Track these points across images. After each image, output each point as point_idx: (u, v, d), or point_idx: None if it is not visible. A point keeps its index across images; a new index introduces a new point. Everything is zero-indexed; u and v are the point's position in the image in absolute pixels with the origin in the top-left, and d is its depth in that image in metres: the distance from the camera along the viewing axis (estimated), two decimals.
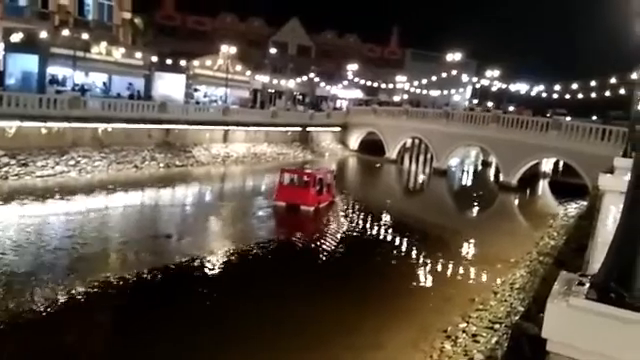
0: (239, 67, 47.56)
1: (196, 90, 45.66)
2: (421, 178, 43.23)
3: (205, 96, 46.25)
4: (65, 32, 31.88)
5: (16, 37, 30.62)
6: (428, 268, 16.98)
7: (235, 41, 45.94)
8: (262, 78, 53.67)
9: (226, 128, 36.37)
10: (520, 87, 55.43)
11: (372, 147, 45.48)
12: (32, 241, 15.69)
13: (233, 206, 24.16)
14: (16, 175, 22.75)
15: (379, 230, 22.07)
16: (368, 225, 22.58)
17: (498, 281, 15.85)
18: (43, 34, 30.90)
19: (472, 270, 17.06)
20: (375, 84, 61.93)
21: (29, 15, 33.74)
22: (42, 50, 31.53)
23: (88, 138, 27.80)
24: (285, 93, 59.08)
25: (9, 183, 21.98)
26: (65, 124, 26.67)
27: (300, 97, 62.62)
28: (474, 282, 16.11)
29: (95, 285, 12.83)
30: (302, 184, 23.40)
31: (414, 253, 18.70)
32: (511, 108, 60.00)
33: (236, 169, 33.79)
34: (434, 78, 59.50)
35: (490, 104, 67.65)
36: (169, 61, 40.10)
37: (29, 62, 32.18)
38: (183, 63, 41.88)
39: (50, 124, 26.06)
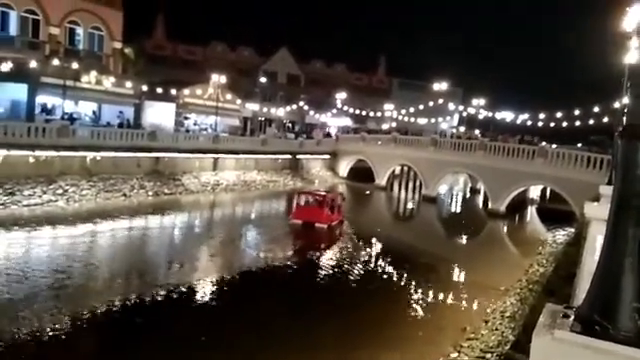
0: (229, 96, 47.98)
1: (186, 118, 45.88)
2: (411, 205, 43.37)
3: (195, 124, 46.44)
4: (55, 62, 32.02)
5: (5, 66, 30.64)
6: (419, 296, 16.91)
7: (225, 70, 46.42)
8: (252, 106, 54.13)
9: (216, 156, 36.41)
10: (506, 115, 56.39)
11: (361, 174, 45.70)
12: (17, 270, 15.38)
13: (226, 232, 24.05)
14: (1, 204, 22.45)
15: (371, 257, 22.01)
16: (361, 252, 22.62)
17: (489, 309, 15.80)
18: (33, 63, 31.02)
19: (463, 298, 17.02)
20: (363, 112, 62.65)
21: (19, 45, 33.93)
22: (32, 79, 31.63)
23: (76, 167, 27.65)
24: (275, 121, 59.51)
25: None
26: (53, 153, 26.54)
27: (290, 125, 63.12)
28: (465, 310, 16.05)
29: (80, 316, 12.58)
30: (317, 204, 25.85)
31: (406, 280, 18.62)
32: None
33: (226, 197, 33.68)
34: (421, 106, 60.43)
35: (477, 132, 68.68)
36: (159, 90, 40.36)
37: (18, 91, 32.21)
38: (173, 92, 42.18)
39: (38, 153, 25.93)
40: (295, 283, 17.45)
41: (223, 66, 49.22)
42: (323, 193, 27.50)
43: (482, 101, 55.95)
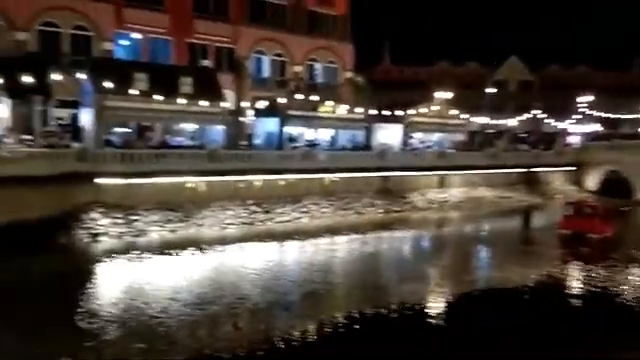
0: (454, 111, 47.12)
1: (412, 137, 46.70)
2: None
3: (421, 142, 46.89)
4: (299, 96, 36.42)
5: (261, 104, 36.32)
6: None
7: (450, 86, 45.91)
8: (479, 119, 52.08)
9: (442, 173, 36.07)
10: None
11: (614, 188, 39.34)
12: (271, 278, 17.84)
13: (459, 250, 23.64)
14: (261, 222, 26.45)
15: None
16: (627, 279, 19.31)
17: None
18: (281, 99, 35.92)
19: None
20: (616, 115, 54.26)
21: (271, 84, 39.90)
22: (281, 113, 36.55)
23: (317, 188, 30.68)
24: (505, 132, 56.09)
25: (255, 228, 25.70)
26: (299, 176, 30.05)
27: (525, 135, 58.69)
28: None
29: (322, 321, 13.75)
30: (588, 214, 25.73)
31: None
32: None
33: (454, 215, 32.93)
34: None
35: None
36: (387, 112, 42.08)
37: (271, 124, 37.57)
38: (400, 113, 43.45)
39: (287, 176, 29.66)
40: (540, 307, 16.06)
41: (448, 82, 48.80)
42: (593, 203, 27.89)
43: None
